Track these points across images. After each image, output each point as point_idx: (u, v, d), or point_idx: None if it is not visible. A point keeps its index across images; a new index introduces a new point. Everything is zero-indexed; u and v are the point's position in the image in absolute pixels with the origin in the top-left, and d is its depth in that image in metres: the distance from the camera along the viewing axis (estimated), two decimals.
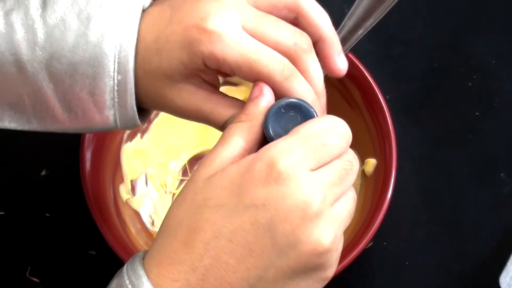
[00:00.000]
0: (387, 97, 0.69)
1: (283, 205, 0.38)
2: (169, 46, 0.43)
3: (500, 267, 0.65)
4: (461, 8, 0.79)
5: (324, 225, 0.39)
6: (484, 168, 0.71)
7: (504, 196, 0.70)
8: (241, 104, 0.45)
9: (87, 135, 0.61)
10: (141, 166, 0.68)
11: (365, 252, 0.58)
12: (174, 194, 0.70)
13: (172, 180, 0.70)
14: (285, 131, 0.41)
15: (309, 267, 0.39)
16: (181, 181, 0.70)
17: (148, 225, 0.67)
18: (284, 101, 0.42)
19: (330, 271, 0.41)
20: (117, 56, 0.43)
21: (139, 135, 0.69)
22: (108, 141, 0.65)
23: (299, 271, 0.39)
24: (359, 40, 0.50)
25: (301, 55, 0.44)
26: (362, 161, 0.65)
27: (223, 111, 0.45)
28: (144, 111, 0.47)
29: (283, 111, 0.42)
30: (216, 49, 0.42)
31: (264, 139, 0.42)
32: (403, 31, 0.78)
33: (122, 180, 0.66)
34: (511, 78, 0.75)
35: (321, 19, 0.45)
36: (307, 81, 0.44)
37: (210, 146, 0.70)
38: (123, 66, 0.43)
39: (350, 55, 0.63)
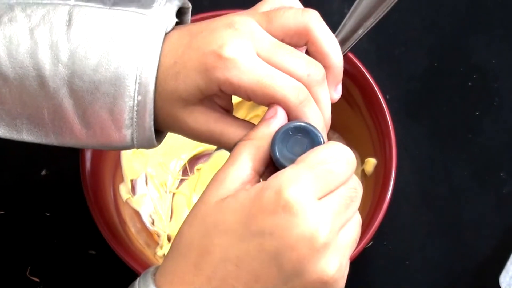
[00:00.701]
0: (387, 97, 0.69)
1: (290, 235, 0.38)
2: (186, 71, 0.44)
3: (500, 267, 0.65)
4: (461, 8, 0.79)
5: (330, 255, 0.39)
6: (484, 168, 0.71)
7: (504, 196, 0.70)
8: (252, 127, 0.45)
9: None
10: (141, 165, 0.68)
11: (365, 252, 0.58)
12: (174, 193, 0.70)
13: (172, 179, 0.70)
14: (291, 153, 0.42)
15: None
16: (181, 180, 0.70)
17: (148, 224, 0.67)
18: (292, 124, 0.42)
19: None
20: (138, 77, 0.44)
21: None
22: None
23: None
24: (359, 40, 0.50)
25: (313, 86, 0.44)
26: (362, 161, 0.65)
27: (233, 132, 0.45)
28: (159, 132, 0.48)
29: (290, 133, 0.42)
30: (231, 75, 0.42)
31: (272, 160, 0.43)
32: (403, 31, 0.78)
33: (122, 180, 0.66)
34: (511, 78, 0.75)
35: (330, 47, 0.45)
36: None
37: (209, 146, 0.70)
38: (144, 87, 0.44)
39: (350, 55, 0.63)
